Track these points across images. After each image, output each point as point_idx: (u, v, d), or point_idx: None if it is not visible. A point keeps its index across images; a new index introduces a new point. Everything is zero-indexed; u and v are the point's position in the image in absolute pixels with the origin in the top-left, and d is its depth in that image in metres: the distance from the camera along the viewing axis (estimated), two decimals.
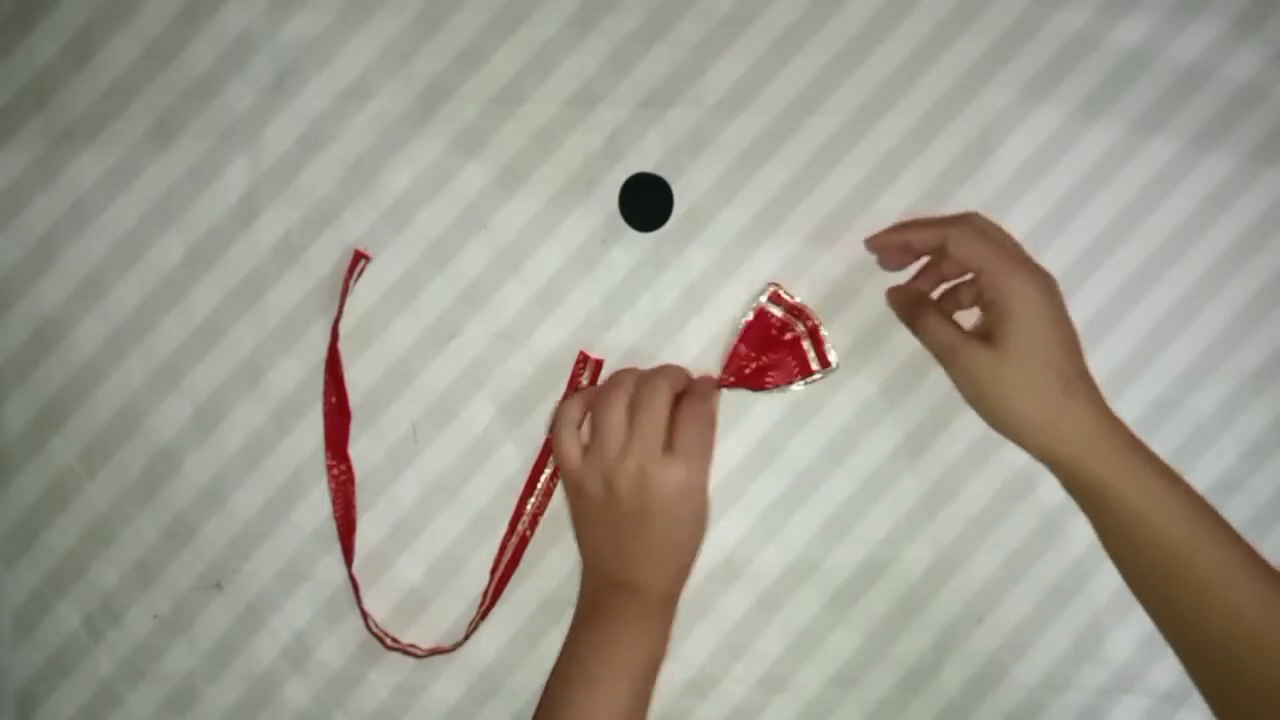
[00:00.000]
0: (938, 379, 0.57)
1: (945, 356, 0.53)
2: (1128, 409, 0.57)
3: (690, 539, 0.55)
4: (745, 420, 0.57)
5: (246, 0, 0.57)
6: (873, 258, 0.57)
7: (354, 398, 0.57)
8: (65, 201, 0.57)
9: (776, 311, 0.57)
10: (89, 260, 0.57)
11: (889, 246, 0.56)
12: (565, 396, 0.57)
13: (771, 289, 0.57)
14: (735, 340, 0.57)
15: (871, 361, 0.57)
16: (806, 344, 0.57)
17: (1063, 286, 0.57)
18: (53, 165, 0.57)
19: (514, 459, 0.57)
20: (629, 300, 0.57)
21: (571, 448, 0.54)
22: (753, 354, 0.57)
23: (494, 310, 0.57)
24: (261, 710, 0.58)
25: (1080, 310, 0.57)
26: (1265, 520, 0.57)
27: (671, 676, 0.58)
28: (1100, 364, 0.57)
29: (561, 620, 0.57)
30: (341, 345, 0.57)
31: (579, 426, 0.54)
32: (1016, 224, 0.57)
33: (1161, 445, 0.57)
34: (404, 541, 0.58)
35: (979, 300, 0.54)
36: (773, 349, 0.57)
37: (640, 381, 0.54)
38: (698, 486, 0.54)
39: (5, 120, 0.57)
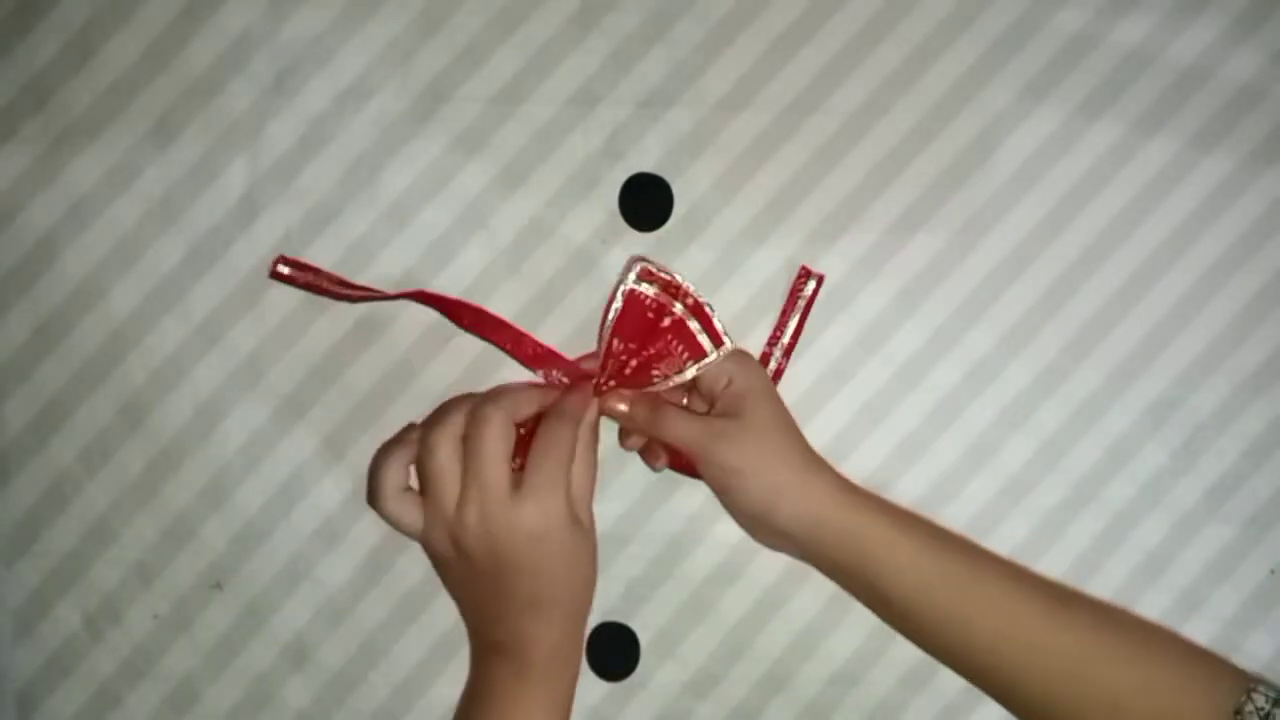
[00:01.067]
0: (935, 383, 0.57)
1: (695, 447, 0.52)
2: (1128, 409, 0.57)
3: (566, 585, 0.50)
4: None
5: (246, 0, 0.57)
6: (874, 257, 0.57)
7: (353, 398, 0.57)
8: (65, 201, 0.57)
9: (649, 291, 0.53)
10: (89, 260, 0.57)
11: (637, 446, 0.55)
12: (390, 441, 0.52)
13: (640, 266, 0.53)
14: (607, 335, 0.53)
15: (870, 362, 0.57)
16: (693, 324, 0.53)
17: (1063, 286, 0.57)
18: (53, 165, 0.57)
19: None
20: None
21: (400, 510, 0.49)
22: (631, 347, 0.53)
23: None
24: (261, 710, 0.58)
25: (1080, 310, 0.57)
26: (1265, 520, 0.57)
27: (671, 676, 0.58)
28: (1100, 364, 0.57)
29: None
30: (341, 345, 0.57)
31: (405, 480, 0.50)
32: (1016, 224, 0.57)
33: (1161, 445, 0.57)
34: (405, 542, 0.57)
35: (707, 398, 0.54)
36: (653, 338, 0.53)
37: (470, 414, 0.48)
38: (559, 524, 0.49)
39: (5, 120, 0.57)
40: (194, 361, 0.57)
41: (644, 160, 0.57)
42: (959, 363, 0.57)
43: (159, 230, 0.57)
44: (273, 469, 0.57)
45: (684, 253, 0.57)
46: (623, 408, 0.53)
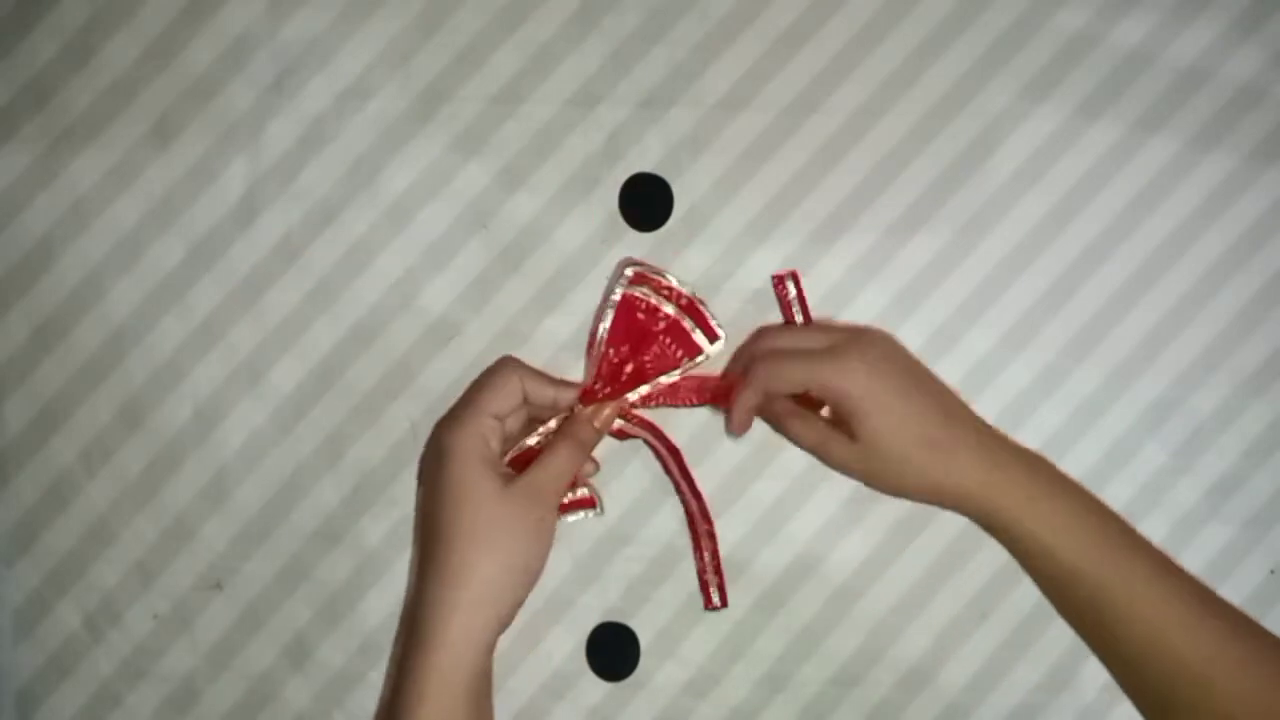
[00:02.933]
0: (940, 378, 0.57)
1: (818, 454, 0.54)
2: (1127, 409, 0.57)
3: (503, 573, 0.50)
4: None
5: (246, 0, 0.57)
6: (874, 257, 0.57)
7: (354, 398, 0.57)
8: (65, 201, 0.57)
9: (642, 294, 0.53)
10: (89, 260, 0.57)
11: (743, 423, 0.54)
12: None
13: (633, 270, 0.53)
14: (601, 343, 0.54)
15: None
16: (686, 322, 0.53)
17: (1063, 287, 0.57)
18: (53, 165, 0.57)
19: None
20: None
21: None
22: (624, 352, 0.53)
23: (494, 310, 0.57)
24: (261, 710, 0.58)
25: (1080, 311, 0.57)
26: (1265, 520, 0.57)
27: (671, 676, 0.58)
28: (1100, 364, 0.57)
29: (562, 620, 0.57)
30: (341, 345, 0.57)
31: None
32: (1016, 224, 0.57)
33: (1161, 445, 0.57)
34: (405, 542, 0.57)
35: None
36: (647, 341, 0.53)
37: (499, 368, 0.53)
38: (531, 526, 0.50)
39: (5, 120, 0.57)
40: (194, 361, 0.57)
41: (644, 160, 0.57)
42: (960, 363, 0.57)
43: (159, 230, 0.57)
44: (273, 469, 0.57)
45: (684, 253, 0.57)
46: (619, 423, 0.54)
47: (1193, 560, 0.57)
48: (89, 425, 0.57)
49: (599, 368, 0.54)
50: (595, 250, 0.57)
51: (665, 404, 0.55)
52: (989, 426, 0.54)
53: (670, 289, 0.54)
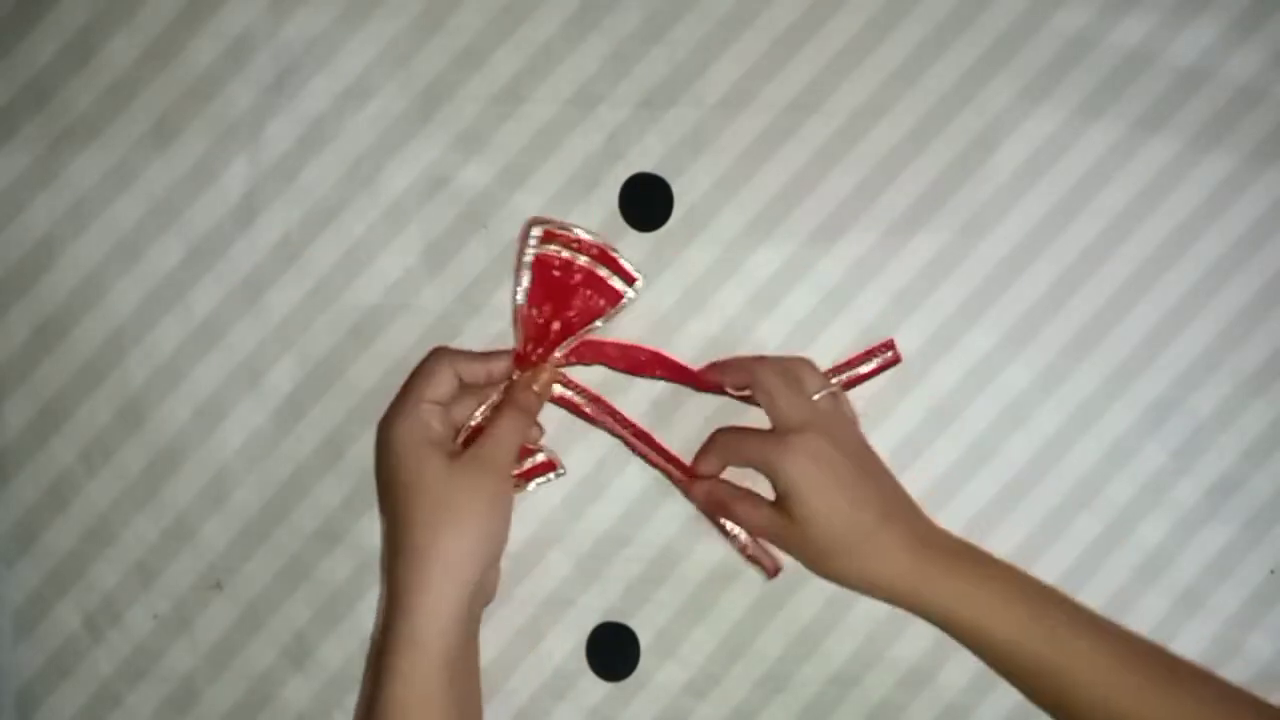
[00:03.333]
0: (935, 383, 0.57)
1: (764, 536, 0.55)
2: (1128, 409, 0.57)
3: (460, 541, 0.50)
4: (745, 419, 0.57)
5: (246, 0, 0.57)
6: (874, 257, 0.57)
7: (353, 399, 0.57)
8: (65, 201, 0.57)
9: (554, 251, 0.53)
10: (89, 260, 0.57)
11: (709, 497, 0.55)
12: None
13: (541, 228, 0.53)
14: (523, 306, 0.53)
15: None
16: (602, 270, 0.53)
17: (1063, 287, 0.57)
18: (53, 165, 0.57)
19: None
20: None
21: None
22: (547, 310, 0.53)
23: (494, 310, 0.57)
24: (261, 710, 0.58)
25: (1081, 310, 0.57)
26: (1265, 520, 0.57)
27: (671, 676, 0.58)
28: (1100, 364, 0.57)
29: (561, 621, 0.57)
30: (341, 345, 0.57)
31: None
32: (1016, 224, 0.57)
33: (1161, 445, 0.57)
34: None
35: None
36: (567, 296, 0.53)
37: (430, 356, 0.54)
38: (486, 497, 0.51)
39: (5, 120, 0.57)
40: (194, 361, 0.57)
41: (644, 160, 0.57)
42: (960, 363, 0.57)
43: (159, 230, 0.57)
44: (273, 469, 0.57)
45: (684, 253, 0.57)
46: (556, 389, 0.55)
47: (1193, 560, 0.57)
48: (89, 425, 0.57)
49: (525, 330, 0.54)
50: None
51: (618, 368, 0.55)
52: (923, 518, 0.54)
53: (580, 241, 0.54)
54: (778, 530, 0.53)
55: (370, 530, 0.57)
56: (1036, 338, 0.57)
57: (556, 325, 0.54)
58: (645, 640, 0.58)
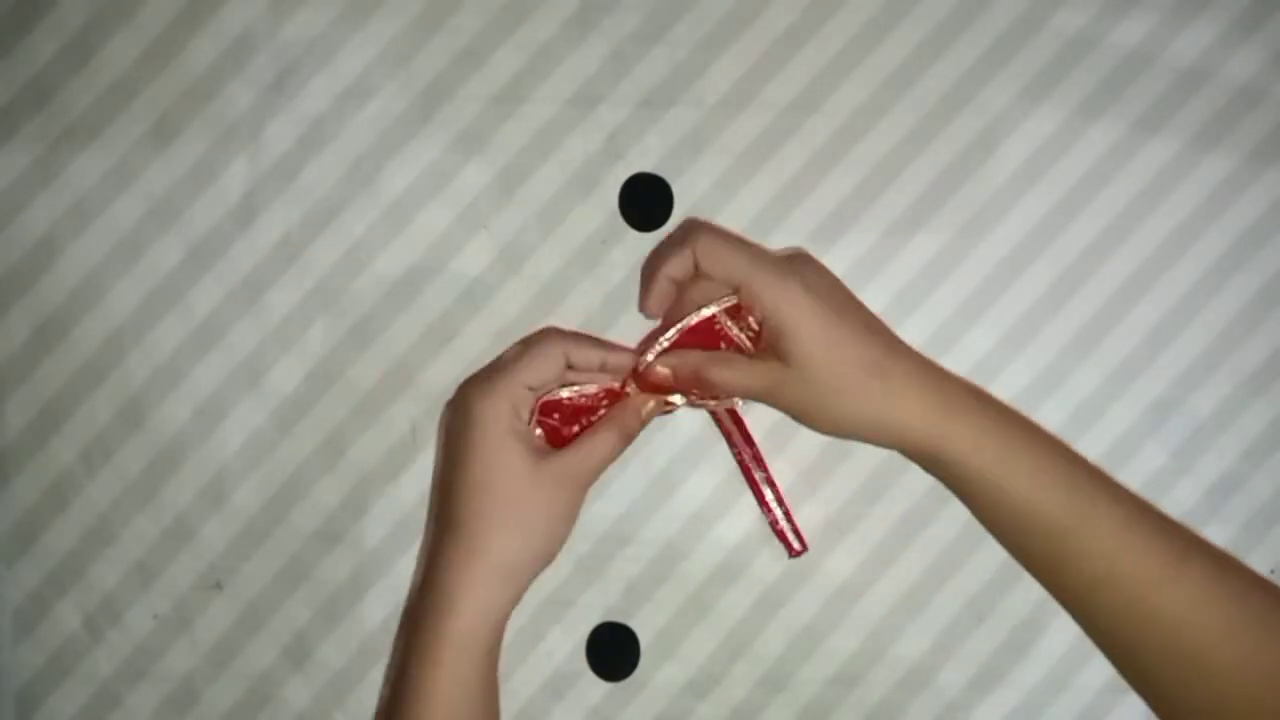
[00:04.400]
0: None
1: (746, 391, 0.51)
2: (1127, 409, 0.57)
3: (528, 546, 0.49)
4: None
5: (246, 0, 0.57)
6: (874, 257, 0.57)
7: (353, 398, 0.57)
8: (65, 201, 0.57)
9: (730, 327, 0.52)
10: (89, 260, 0.57)
11: (659, 294, 0.52)
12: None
13: (730, 302, 0.51)
14: (675, 334, 0.52)
15: None
16: (730, 327, 0.52)
17: (1063, 287, 0.57)
18: (53, 165, 0.57)
19: None
20: (629, 300, 0.57)
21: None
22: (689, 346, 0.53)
23: (494, 310, 0.57)
24: (261, 710, 0.58)
25: (1081, 310, 0.57)
26: (1265, 520, 0.57)
27: (671, 676, 0.58)
28: (1100, 364, 0.57)
29: (562, 620, 0.57)
30: (341, 345, 0.57)
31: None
32: (1016, 224, 0.57)
33: (1161, 445, 0.57)
34: (405, 542, 0.57)
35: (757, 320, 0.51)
36: (704, 345, 0.52)
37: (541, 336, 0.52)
38: (561, 500, 0.50)
39: (5, 120, 0.57)
40: (194, 361, 0.57)
41: (644, 160, 0.57)
42: (960, 363, 0.57)
43: (159, 230, 0.57)
44: (273, 469, 0.57)
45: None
46: (664, 371, 0.52)
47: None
48: (89, 425, 0.57)
49: (661, 353, 0.52)
50: (595, 250, 0.57)
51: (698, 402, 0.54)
52: (928, 359, 0.51)
53: (754, 330, 0.52)
54: (771, 380, 0.49)
55: (370, 530, 0.57)
56: (1036, 338, 0.57)
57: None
58: (645, 640, 0.58)
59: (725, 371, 0.50)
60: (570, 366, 0.52)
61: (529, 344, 0.52)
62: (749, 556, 0.58)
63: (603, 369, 0.52)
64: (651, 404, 0.53)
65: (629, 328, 0.57)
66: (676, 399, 0.53)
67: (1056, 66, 0.57)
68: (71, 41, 0.57)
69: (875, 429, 0.50)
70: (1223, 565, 0.49)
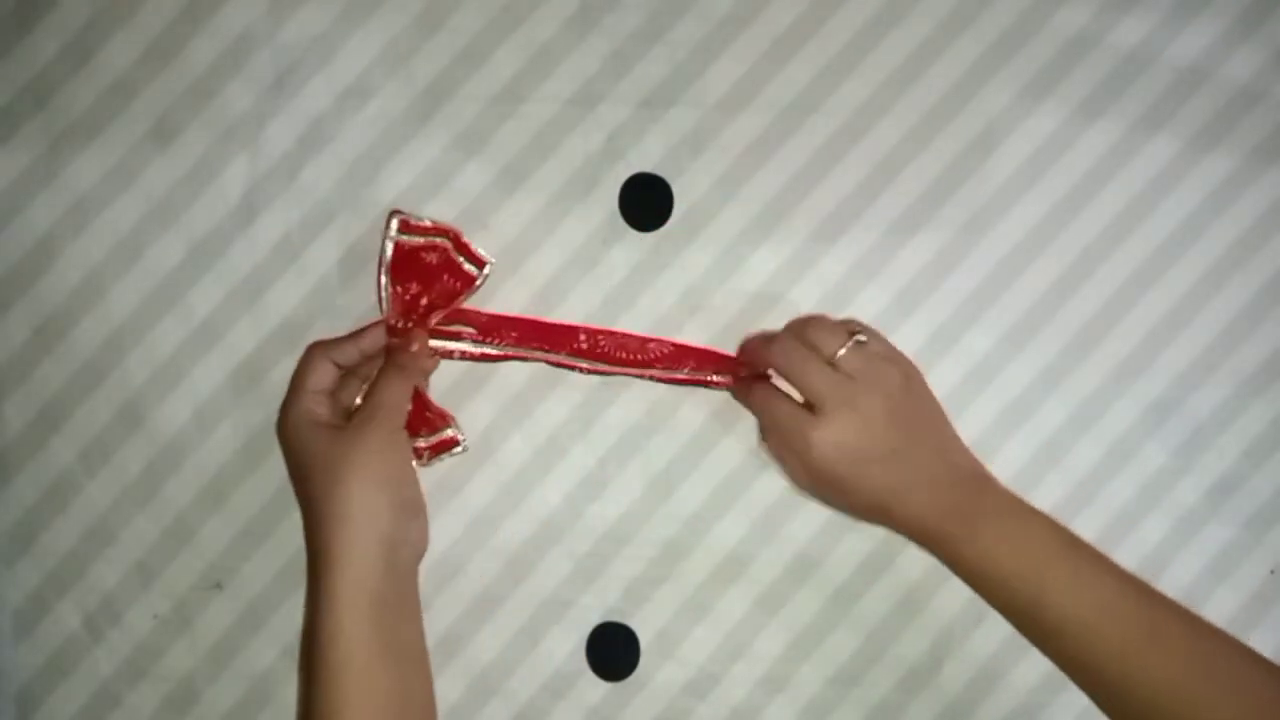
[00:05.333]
0: (934, 383, 0.57)
1: (779, 429, 0.53)
2: (1128, 409, 0.57)
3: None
4: (745, 419, 0.57)
5: (246, 0, 0.57)
6: (874, 257, 0.57)
7: None
8: (65, 201, 0.57)
9: (415, 240, 0.55)
10: (89, 260, 0.57)
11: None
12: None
13: (399, 219, 0.55)
14: (386, 282, 0.55)
15: None
16: (457, 256, 0.55)
17: (1063, 286, 0.57)
18: (53, 165, 0.57)
19: (516, 456, 0.57)
20: (629, 300, 0.57)
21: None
22: (414, 289, 0.55)
23: (495, 310, 0.57)
24: (261, 710, 0.58)
25: (1080, 310, 0.57)
26: (1265, 520, 0.57)
27: (671, 676, 0.58)
28: (1100, 364, 0.57)
29: (562, 620, 0.57)
30: None
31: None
32: (1016, 224, 0.57)
33: (1161, 445, 0.57)
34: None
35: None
36: (429, 278, 0.55)
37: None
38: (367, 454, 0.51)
39: (5, 120, 0.57)
40: (194, 361, 0.57)
41: (644, 160, 0.57)
42: (960, 363, 0.57)
43: (159, 230, 0.57)
44: (272, 469, 0.57)
45: (684, 253, 0.57)
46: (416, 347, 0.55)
47: (1193, 560, 0.57)
48: (89, 425, 0.57)
49: (394, 305, 0.55)
50: (595, 250, 0.57)
51: (488, 339, 0.56)
52: (960, 463, 0.53)
53: (435, 227, 0.55)
54: (806, 428, 0.52)
55: None
56: (1036, 338, 0.57)
57: (424, 301, 0.55)
58: (645, 640, 0.58)
59: (774, 398, 0.54)
60: (339, 366, 0.54)
61: (299, 362, 0.55)
62: (749, 556, 0.58)
63: (362, 357, 0.55)
64: (419, 334, 0.55)
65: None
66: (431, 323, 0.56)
67: (1056, 66, 0.57)
68: (71, 41, 0.57)
69: (901, 531, 0.53)
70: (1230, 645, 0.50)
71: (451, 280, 0.55)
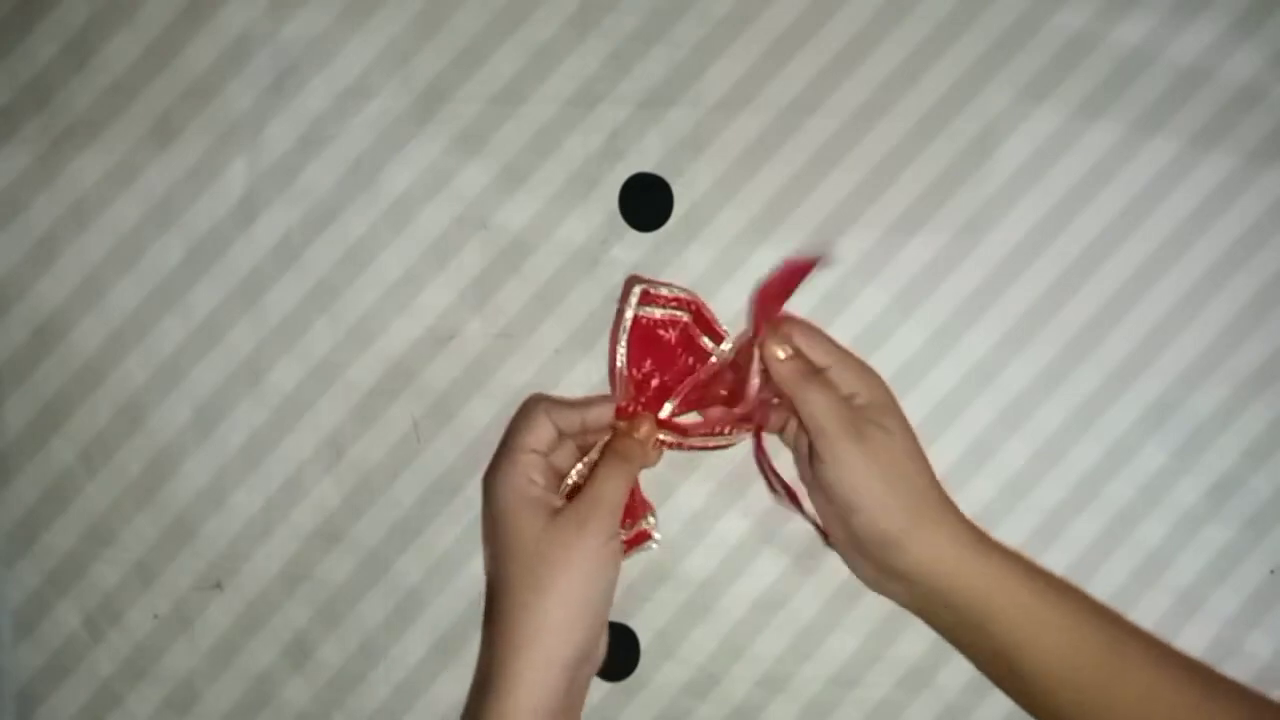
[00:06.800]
0: (934, 383, 0.57)
1: (820, 440, 0.50)
2: (1128, 409, 0.57)
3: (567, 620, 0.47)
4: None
5: (246, 0, 0.57)
6: (874, 257, 0.57)
7: (354, 399, 0.57)
8: (65, 201, 0.57)
9: (654, 314, 0.53)
10: (89, 260, 0.57)
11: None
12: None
13: (640, 289, 0.53)
14: (623, 356, 0.53)
15: (870, 363, 0.57)
16: (694, 330, 0.53)
17: (1063, 286, 0.57)
18: (53, 165, 0.57)
19: None
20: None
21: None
22: (648, 369, 0.53)
23: (494, 310, 0.57)
24: (261, 710, 0.58)
25: (1080, 311, 0.57)
26: (1265, 520, 0.57)
27: (671, 676, 0.58)
28: (1100, 364, 0.57)
29: None
30: (341, 345, 0.57)
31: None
32: (1016, 224, 0.57)
33: (1161, 445, 0.57)
34: (404, 542, 0.58)
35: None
36: (664, 356, 0.53)
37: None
38: (589, 555, 0.48)
39: (5, 120, 0.57)
40: (194, 361, 0.57)
41: (644, 160, 0.57)
42: (960, 363, 0.57)
43: (159, 230, 0.57)
44: (273, 469, 0.57)
45: (684, 253, 0.57)
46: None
47: (1193, 560, 0.57)
48: (89, 425, 0.57)
49: (626, 387, 0.53)
50: (595, 250, 0.57)
51: (703, 433, 0.54)
52: (951, 520, 0.51)
53: (676, 300, 0.53)
54: (842, 445, 0.50)
55: (370, 530, 0.57)
56: (1036, 338, 0.57)
57: (655, 382, 0.53)
58: (645, 640, 0.58)
59: (824, 398, 0.50)
60: (559, 432, 0.52)
61: (518, 415, 0.53)
62: (749, 556, 0.58)
63: (583, 429, 0.52)
64: (646, 424, 0.52)
65: None
66: (665, 411, 0.53)
67: (1056, 66, 0.57)
68: (71, 41, 0.57)
69: (921, 546, 0.50)
70: (1252, 698, 0.51)
71: (686, 357, 0.53)
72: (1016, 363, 0.57)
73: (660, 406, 0.53)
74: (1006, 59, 0.57)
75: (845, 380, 0.52)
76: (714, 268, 0.57)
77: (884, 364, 0.57)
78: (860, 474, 0.49)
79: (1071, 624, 0.50)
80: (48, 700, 0.58)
